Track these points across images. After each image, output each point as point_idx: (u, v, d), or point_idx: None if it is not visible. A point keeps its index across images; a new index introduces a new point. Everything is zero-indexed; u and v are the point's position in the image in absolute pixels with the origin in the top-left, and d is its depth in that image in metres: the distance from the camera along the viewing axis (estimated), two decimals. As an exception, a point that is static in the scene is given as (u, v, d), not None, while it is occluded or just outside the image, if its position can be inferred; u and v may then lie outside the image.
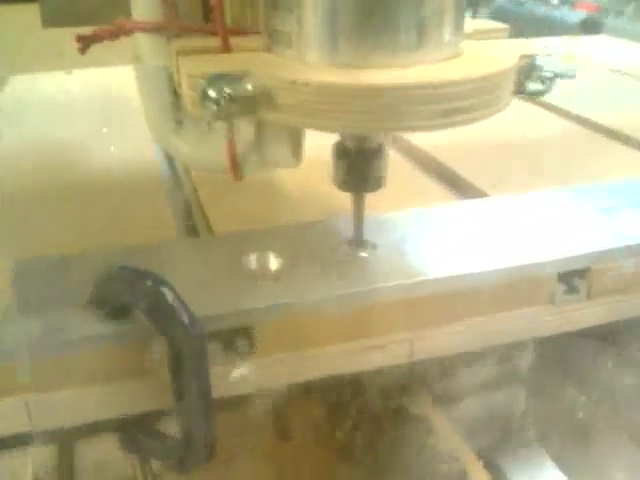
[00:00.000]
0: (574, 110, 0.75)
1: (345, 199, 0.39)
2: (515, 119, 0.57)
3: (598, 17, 1.83)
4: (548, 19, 1.89)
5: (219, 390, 0.36)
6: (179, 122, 0.42)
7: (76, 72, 0.89)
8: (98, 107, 0.81)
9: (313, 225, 0.45)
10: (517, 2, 2.05)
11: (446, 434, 0.48)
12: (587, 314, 0.45)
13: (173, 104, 0.41)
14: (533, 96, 0.37)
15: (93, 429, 0.39)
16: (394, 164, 0.39)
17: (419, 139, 0.64)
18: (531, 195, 0.49)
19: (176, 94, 0.40)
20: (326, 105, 0.27)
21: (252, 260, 0.40)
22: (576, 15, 1.85)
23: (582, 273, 0.43)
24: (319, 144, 0.37)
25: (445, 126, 0.29)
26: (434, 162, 0.61)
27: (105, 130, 0.72)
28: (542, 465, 0.49)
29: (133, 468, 0.43)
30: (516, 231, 0.44)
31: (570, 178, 0.55)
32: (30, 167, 0.63)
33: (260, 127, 0.37)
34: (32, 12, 1.00)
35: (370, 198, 0.38)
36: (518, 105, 0.38)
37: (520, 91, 0.37)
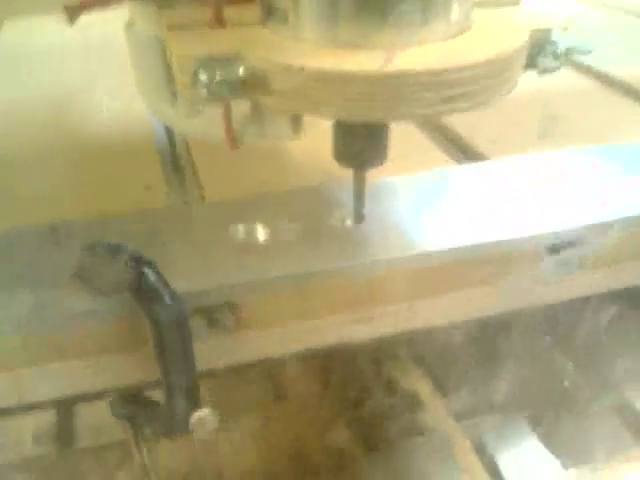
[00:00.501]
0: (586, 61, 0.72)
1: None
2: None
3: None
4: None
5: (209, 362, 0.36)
6: (174, 93, 0.40)
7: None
8: (93, 55, 0.78)
9: (309, 191, 0.43)
10: None
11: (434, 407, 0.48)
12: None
13: (167, 75, 0.39)
14: (544, 73, 0.35)
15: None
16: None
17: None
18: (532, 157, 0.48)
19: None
20: (322, 91, 0.25)
21: (239, 231, 0.39)
22: None
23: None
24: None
25: (451, 111, 0.27)
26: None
27: (99, 82, 0.70)
28: (526, 440, 0.49)
29: (126, 432, 0.43)
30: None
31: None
32: (16, 121, 0.61)
33: (257, 103, 0.35)
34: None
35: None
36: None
37: (531, 66, 0.35)
